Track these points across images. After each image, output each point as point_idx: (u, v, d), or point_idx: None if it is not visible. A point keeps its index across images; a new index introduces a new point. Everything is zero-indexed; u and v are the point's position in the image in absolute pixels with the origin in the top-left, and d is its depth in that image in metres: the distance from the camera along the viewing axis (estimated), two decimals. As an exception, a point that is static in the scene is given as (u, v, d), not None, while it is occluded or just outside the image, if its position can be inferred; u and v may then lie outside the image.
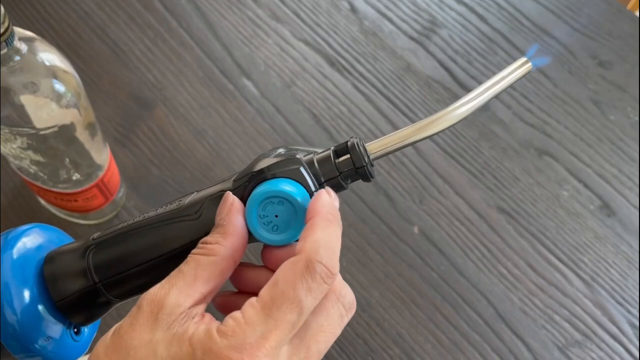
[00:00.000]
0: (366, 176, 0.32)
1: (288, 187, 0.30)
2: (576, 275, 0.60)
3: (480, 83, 0.71)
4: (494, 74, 0.67)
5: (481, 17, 0.74)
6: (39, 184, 0.52)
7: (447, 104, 0.71)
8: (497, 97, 0.34)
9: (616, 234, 0.62)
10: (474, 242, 0.61)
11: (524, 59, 0.33)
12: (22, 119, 0.45)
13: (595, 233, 0.62)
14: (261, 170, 0.30)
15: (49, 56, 0.45)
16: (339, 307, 0.28)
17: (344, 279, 0.62)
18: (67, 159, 0.50)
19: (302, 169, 0.30)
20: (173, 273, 0.28)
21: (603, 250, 0.61)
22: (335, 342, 0.56)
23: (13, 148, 0.47)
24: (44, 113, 0.45)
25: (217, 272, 0.28)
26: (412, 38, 0.72)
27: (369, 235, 0.61)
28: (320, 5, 0.73)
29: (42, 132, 0.46)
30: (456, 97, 0.69)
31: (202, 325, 0.27)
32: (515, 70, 0.34)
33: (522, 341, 0.57)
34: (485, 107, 0.68)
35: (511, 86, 0.34)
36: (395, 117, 0.67)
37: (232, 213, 0.29)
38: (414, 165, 0.64)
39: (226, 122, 0.65)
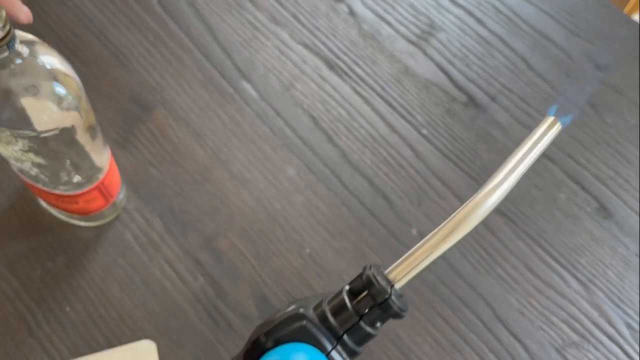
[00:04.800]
0: (397, 313, 0.25)
1: (298, 356, 0.23)
2: (573, 276, 0.61)
3: (477, 86, 0.72)
4: (492, 77, 0.66)
5: (479, 21, 0.74)
6: (39, 186, 0.52)
7: (445, 107, 0.71)
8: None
9: (613, 236, 0.63)
10: (472, 244, 0.61)
11: (551, 119, 0.27)
12: (23, 121, 0.45)
13: (592, 235, 0.63)
14: (257, 342, 0.24)
15: (50, 59, 0.45)
16: None
17: (343, 281, 0.63)
18: (68, 161, 0.50)
19: (308, 325, 0.24)
20: None
21: (600, 252, 0.62)
22: (334, 343, 0.56)
23: (14, 150, 0.48)
24: (45, 116, 0.45)
25: None
26: (410, 41, 0.72)
27: (368, 238, 0.61)
28: (319, 9, 0.74)
29: (43, 135, 0.46)
30: (454, 100, 0.69)
31: None
32: (546, 133, 0.27)
33: (519, 342, 0.58)
34: (483, 110, 0.69)
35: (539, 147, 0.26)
36: (393, 119, 0.67)
37: None
38: (413, 168, 0.65)
39: (225, 124, 0.66)
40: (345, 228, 0.61)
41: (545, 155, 0.66)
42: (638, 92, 0.71)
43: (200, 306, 0.56)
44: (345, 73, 0.70)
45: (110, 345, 0.54)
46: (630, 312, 0.59)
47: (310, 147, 0.65)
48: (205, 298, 0.57)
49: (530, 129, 0.67)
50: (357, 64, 0.71)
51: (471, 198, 0.24)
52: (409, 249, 0.60)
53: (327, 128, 0.67)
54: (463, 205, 0.24)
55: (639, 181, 0.66)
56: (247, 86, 0.68)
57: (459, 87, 0.70)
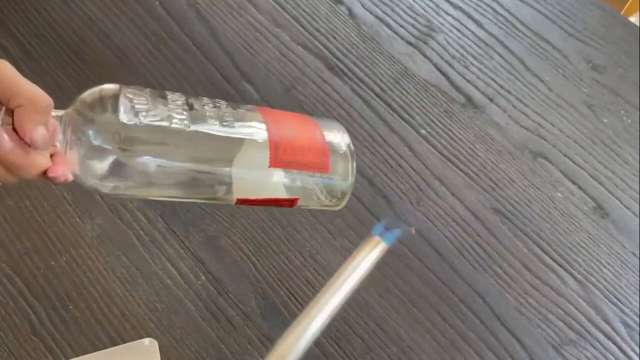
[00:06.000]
0: None
1: None
2: (570, 275, 0.61)
3: (475, 87, 0.72)
4: (490, 78, 0.67)
5: (477, 22, 0.75)
6: None
7: (443, 108, 0.72)
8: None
9: (609, 235, 0.63)
10: (470, 243, 0.62)
11: (375, 238, 0.28)
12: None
13: (589, 234, 0.63)
14: None
15: None
16: None
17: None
18: None
19: None
20: None
21: (596, 250, 0.63)
22: (335, 340, 0.57)
23: None
24: None
25: None
26: (409, 43, 0.73)
27: (367, 236, 0.62)
28: (319, 11, 0.74)
29: None
30: (453, 101, 0.70)
31: None
32: (370, 254, 0.28)
33: (517, 340, 0.58)
34: (481, 110, 0.70)
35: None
36: (392, 120, 0.68)
37: None
38: (411, 168, 0.65)
39: (227, 125, 0.66)
40: (345, 227, 0.62)
41: (542, 155, 0.67)
42: (634, 92, 0.72)
43: (202, 304, 0.57)
44: (345, 74, 0.71)
45: (113, 343, 0.55)
46: (627, 310, 0.60)
47: (311, 147, 0.66)
48: (207, 296, 0.57)
49: (527, 129, 0.68)
50: (357, 65, 0.71)
51: (292, 326, 0.25)
52: (408, 247, 0.61)
53: (327, 128, 0.67)
54: (285, 333, 0.24)
55: (637, 181, 0.66)
56: (248, 87, 0.69)
57: (458, 88, 0.71)
